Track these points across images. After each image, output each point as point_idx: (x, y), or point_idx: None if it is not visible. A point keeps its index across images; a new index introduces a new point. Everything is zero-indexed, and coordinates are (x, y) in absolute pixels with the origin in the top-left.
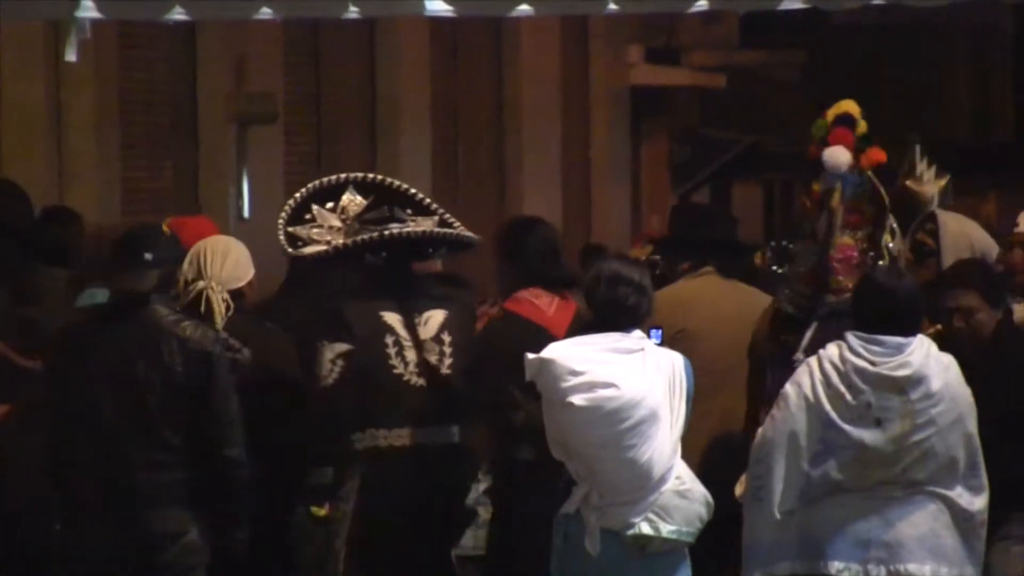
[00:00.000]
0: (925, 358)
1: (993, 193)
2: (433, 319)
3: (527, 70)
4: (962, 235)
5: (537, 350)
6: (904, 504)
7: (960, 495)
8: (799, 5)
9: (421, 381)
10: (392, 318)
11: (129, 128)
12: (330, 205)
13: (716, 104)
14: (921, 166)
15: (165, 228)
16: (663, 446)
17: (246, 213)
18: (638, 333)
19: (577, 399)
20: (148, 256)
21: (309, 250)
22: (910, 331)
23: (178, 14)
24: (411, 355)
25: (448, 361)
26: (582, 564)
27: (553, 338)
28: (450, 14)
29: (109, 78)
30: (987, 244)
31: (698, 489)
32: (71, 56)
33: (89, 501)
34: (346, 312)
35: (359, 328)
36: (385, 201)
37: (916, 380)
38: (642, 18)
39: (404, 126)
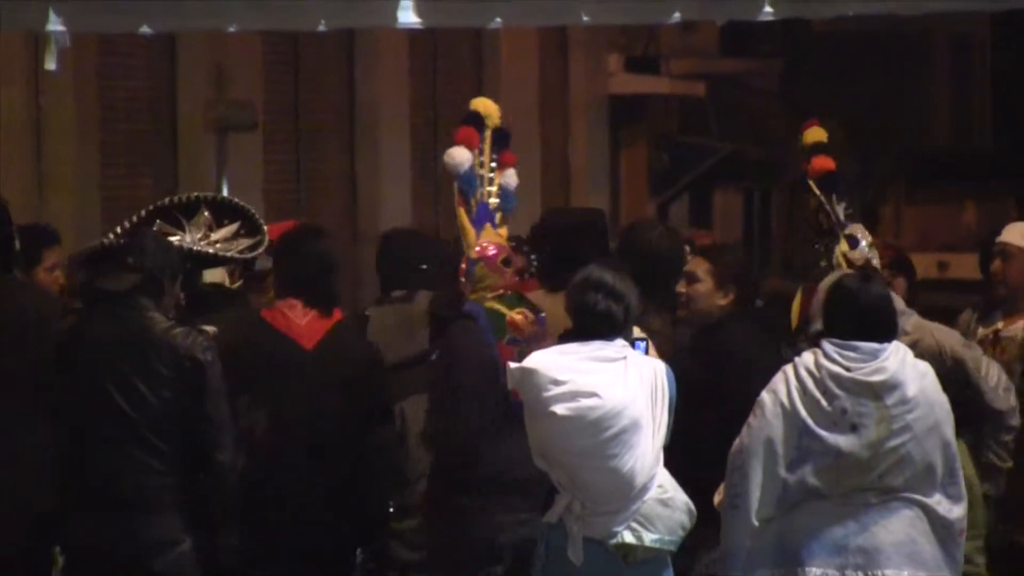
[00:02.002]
0: (900, 364)
1: (972, 201)
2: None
3: (506, 78)
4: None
5: (276, 358)
6: (881, 510)
7: (939, 502)
8: (777, 16)
9: None
10: None
11: (109, 136)
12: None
13: (695, 112)
14: None
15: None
16: (645, 455)
17: None
18: (620, 342)
19: (559, 409)
20: (130, 260)
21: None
22: (884, 337)
23: (146, 28)
24: None
25: None
26: (565, 573)
27: (299, 349)
28: (421, 26)
29: (89, 86)
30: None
31: (680, 497)
32: (51, 65)
33: (83, 506)
34: None
35: None
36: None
37: (891, 385)
38: (621, 27)
39: (383, 133)
